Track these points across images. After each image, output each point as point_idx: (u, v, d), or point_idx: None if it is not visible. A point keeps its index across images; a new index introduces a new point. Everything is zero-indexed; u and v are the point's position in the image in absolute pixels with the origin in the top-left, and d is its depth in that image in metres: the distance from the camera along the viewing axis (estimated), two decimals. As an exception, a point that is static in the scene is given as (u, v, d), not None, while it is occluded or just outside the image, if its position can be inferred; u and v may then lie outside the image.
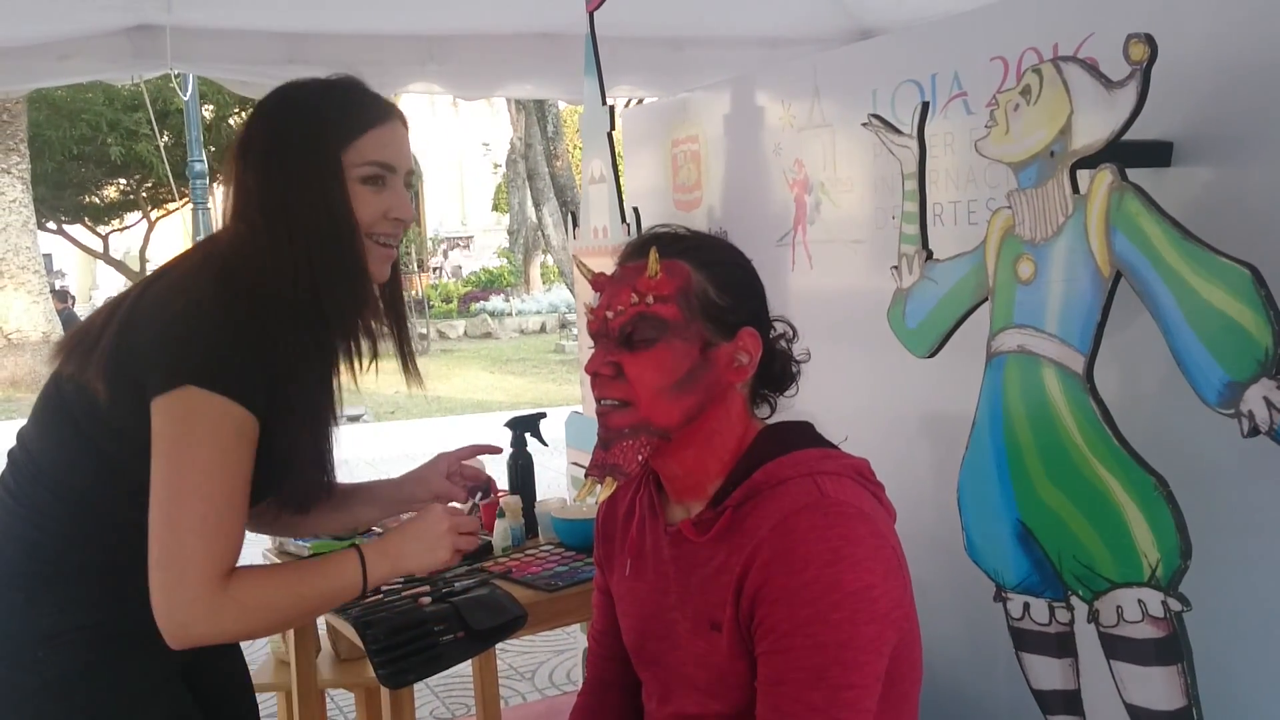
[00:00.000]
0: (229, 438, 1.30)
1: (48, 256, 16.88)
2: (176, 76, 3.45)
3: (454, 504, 1.67)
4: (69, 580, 1.39)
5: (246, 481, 1.33)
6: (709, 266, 1.32)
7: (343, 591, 1.38)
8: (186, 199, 12.73)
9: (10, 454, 1.47)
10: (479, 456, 1.77)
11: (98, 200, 17.59)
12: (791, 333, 1.41)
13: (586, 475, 1.34)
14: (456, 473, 1.71)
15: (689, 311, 1.29)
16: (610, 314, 1.31)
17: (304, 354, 1.37)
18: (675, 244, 1.34)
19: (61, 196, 16.56)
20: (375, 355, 1.46)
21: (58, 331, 13.59)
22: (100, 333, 1.38)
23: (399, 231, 1.44)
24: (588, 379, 1.33)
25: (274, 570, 1.40)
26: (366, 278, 1.41)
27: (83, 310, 22.16)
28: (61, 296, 16.41)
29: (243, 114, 16.47)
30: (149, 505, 1.30)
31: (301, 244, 1.35)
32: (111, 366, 1.33)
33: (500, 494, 2.47)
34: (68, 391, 1.40)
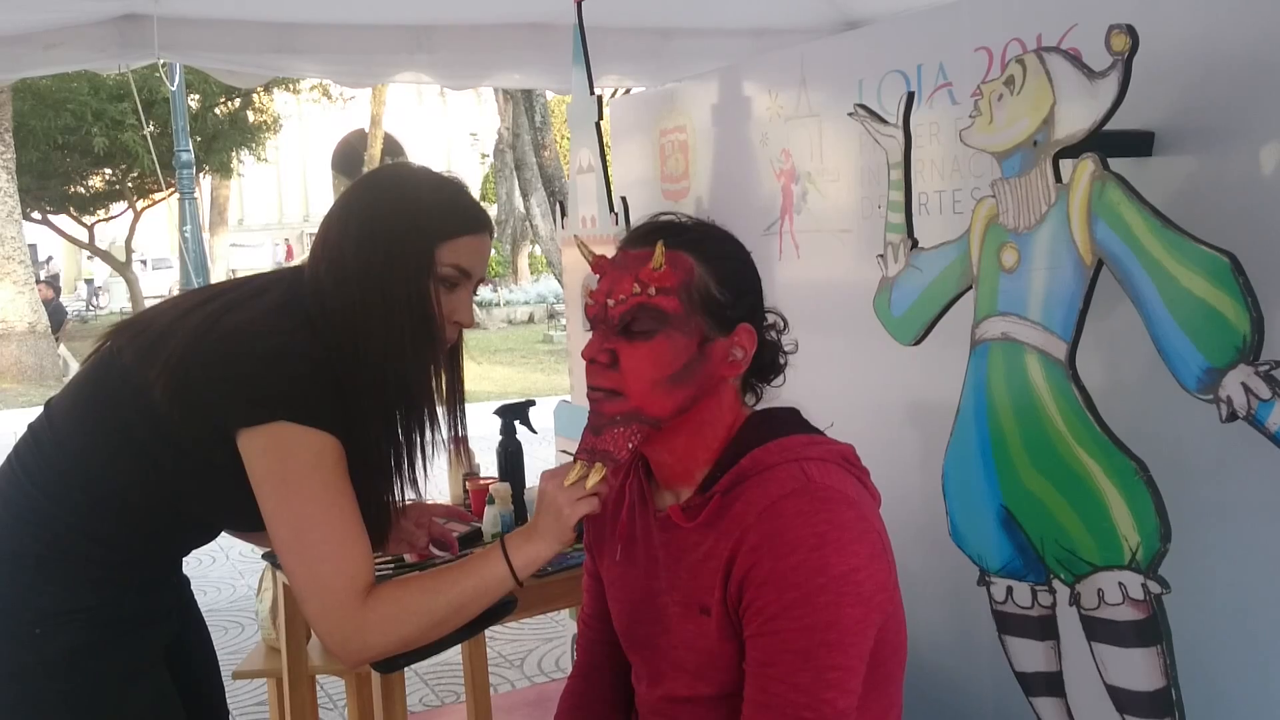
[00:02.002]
0: (329, 464, 1.36)
1: (33, 247, 16.76)
2: (163, 66, 3.44)
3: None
4: (74, 563, 1.42)
5: (354, 500, 1.38)
6: (712, 260, 1.32)
7: (491, 582, 1.38)
8: (172, 189, 12.65)
9: (32, 427, 1.49)
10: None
11: (83, 190, 17.49)
12: (782, 323, 1.42)
13: (575, 458, 1.35)
14: (425, 525, 1.76)
15: (689, 305, 1.29)
16: (611, 301, 1.31)
17: (373, 410, 1.42)
18: (680, 235, 1.33)
19: (46, 186, 16.46)
20: (433, 425, 1.51)
21: (44, 322, 13.52)
22: (164, 334, 1.41)
23: (456, 333, 1.51)
24: (576, 369, 1.35)
25: (415, 577, 1.43)
26: (438, 364, 1.49)
27: (69, 301, 22.00)
28: (53, 287, 16.30)
29: (229, 103, 16.39)
30: (272, 538, 1.36)
31: (391, 322, 1.40)
32: (182, 385, 1.37)
33: (489, 481, 2.50)
34: (116, 380, 1.43)
